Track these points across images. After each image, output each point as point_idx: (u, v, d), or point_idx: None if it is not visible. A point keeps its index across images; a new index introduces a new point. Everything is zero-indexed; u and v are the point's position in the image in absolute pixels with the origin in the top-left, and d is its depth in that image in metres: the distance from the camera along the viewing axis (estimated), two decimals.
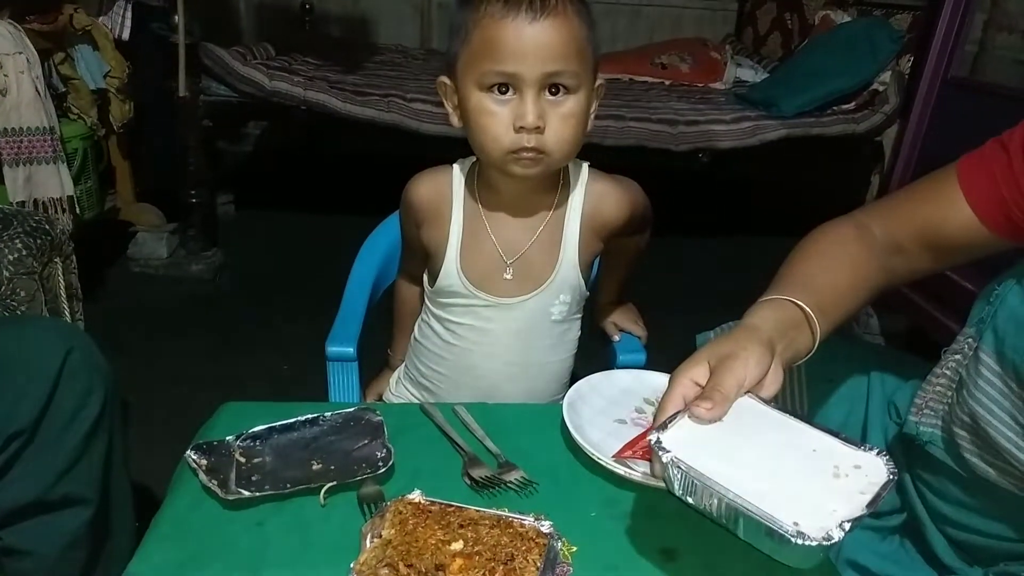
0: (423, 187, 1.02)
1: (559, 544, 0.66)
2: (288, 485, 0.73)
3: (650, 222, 1.10)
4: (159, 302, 2.57)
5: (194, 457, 0.76)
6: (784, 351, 0.71)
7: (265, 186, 3.57)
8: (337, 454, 0.78)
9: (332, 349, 1.09)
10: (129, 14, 2.49)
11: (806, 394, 0.98)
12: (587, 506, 0.74)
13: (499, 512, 0.68)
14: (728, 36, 4.16)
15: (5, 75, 1.98)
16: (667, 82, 3.52)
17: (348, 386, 1.10)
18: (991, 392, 0.79)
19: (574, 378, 1.01)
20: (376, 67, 3.23)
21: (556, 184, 0.99)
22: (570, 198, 0.99)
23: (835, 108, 2.86)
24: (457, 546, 0.63)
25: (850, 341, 1.06)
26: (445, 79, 0.93)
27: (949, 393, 0.85)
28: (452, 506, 0.69)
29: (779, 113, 2.82)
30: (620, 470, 0.75)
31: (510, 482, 0.76)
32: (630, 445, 0.77)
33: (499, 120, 0.86)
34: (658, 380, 0.88)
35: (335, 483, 0.74)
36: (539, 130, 0.86)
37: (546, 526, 0.66)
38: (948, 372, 0.86)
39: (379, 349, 1.23)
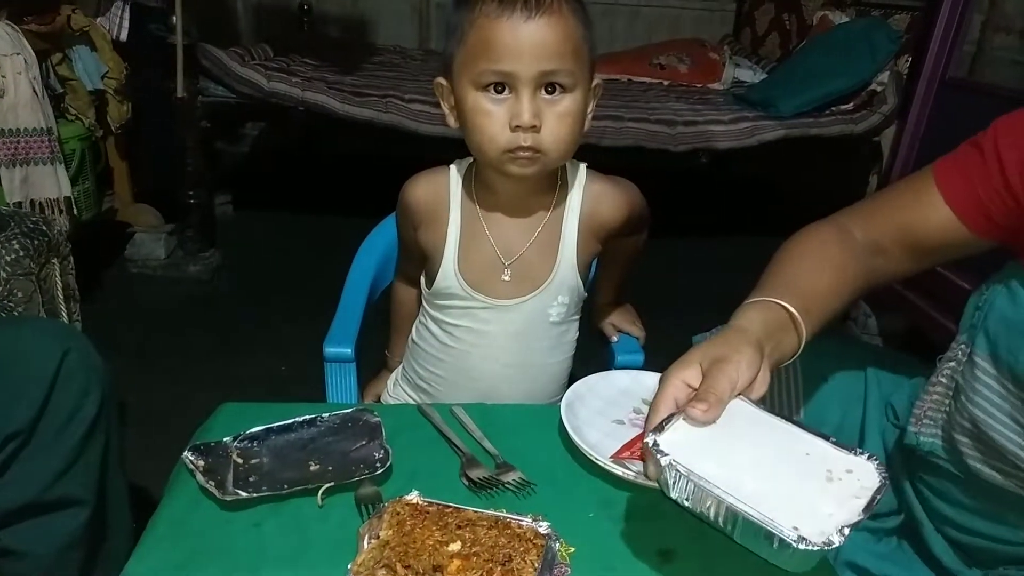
0: (420, 189, 1.01)
1: (557, 545, 0.66)
2: (286, 486, 0.73)
3: (647, 223, 1.10)
4: (157, 303, 2.57)
5: (191, 458, 0.76)
6: (772, 353, 0.72)
7: (263, 187, 3.57)
8: (335, 455, 0.78)
9: (330, 350, 1.09)
10: (127, 15, 2.49)
11: (802, 394, 0.98)
12: (585, 507, 0.74)
13: (497, 513, 0.68)
14: (726, 36, 4.16)
15: (3, 76, 1.97)
16: (665, 82, 3.52)
17: (346, 387, 1.10)
18: (989, 396, 0.79)
19: (572, 379, 1.01)
20: (374, 68, 3.23)
21: (554, 185, 0.99)
22: (568, 199, 0.99)
23: (833, 108, 2.86)
24: (455, 547, 0.63)
25: (846, 341, 1.07)
26: (441, 80, 0.93)
27: (947, 401, 0.85)
28: (450, 507, 0.68)
29: (777, 113, 2.82)
30: (618, 471, 0.75)
31: (508, 483, 0.76)
32: (628, 446, 0.77)
33: (495, 119, 0.86)
34: (656, 381, 0.87)
35: (333, 484, 0.73)
36: (535, 129, 0.86)
37: (544, 527, 0.66)
38: (944, 380, 0.86)
39: (377, 350, 1.23)
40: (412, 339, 1.12)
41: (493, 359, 1.03)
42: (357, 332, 1.13)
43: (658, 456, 0.62)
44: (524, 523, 0.67)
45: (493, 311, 1.00)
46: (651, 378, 0.92)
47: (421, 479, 0.76)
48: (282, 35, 3.50)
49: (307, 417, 0.83)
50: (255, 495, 0.72)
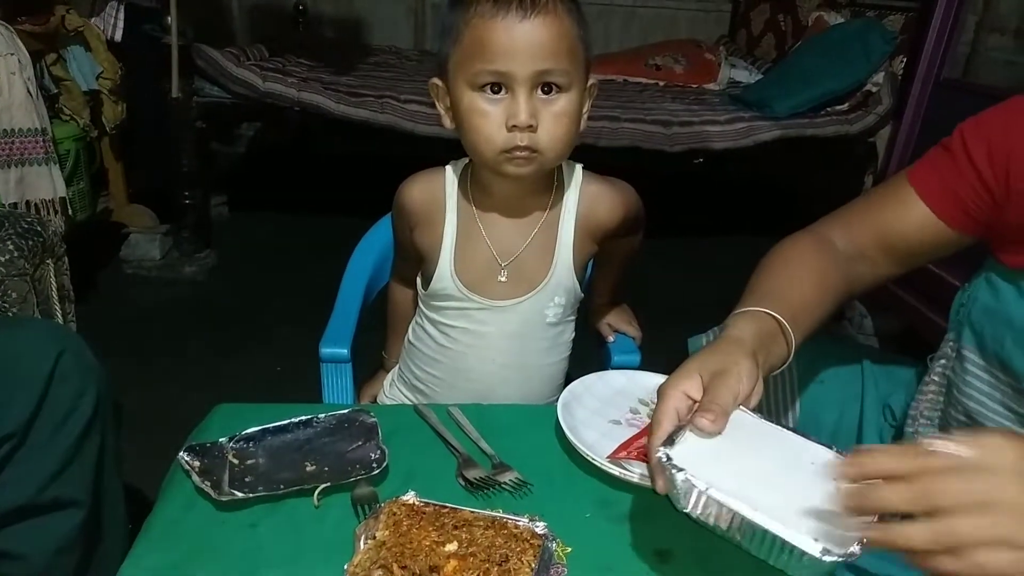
0: (415, 190, 1.01)
1: (554, 545, 0.66)
2: (282, 486, 0.73)
3: (643, 223, 1.10)
4: (152, 304, 2.56)
5: (187, 459, 0.76)
6: (764, 362, 0.72)
7: (259, 187, 3.57)
8: (331, 455, 0.78)
9: (326, 350, 1.09)
10: (121, 15, 2.49)
11: (798, 395, 0.98)
12: (582, 507, 0.74)
13: (493, 513, 0.68)
14: (722, 37, 4.17)
15: None
16: (661, 83, 3.52)
17: (342, 387, 1.10)
18: (980, 386, 0.81)
19: (568, 380, 1.01)
20: (370, 68, 3.23)
21: (550, 186, 0.99)
22: (564, 200, 0.99)
23: (829, 109, 2.87)
24: (451, 547, 0.63)
25: (842, 342, 1.08)
26: (437, 81, 0.93)
27: (940, 398, 0.87)
28: (446, 507, 0.68)
29: (773, 114, 2.83)
30: (615, 471, 0.75)
31: (504, 483, 0.76)
32: (625, 446, 0.77)
33: (492, 119, 0.86)
34: (652, 381, 0.88)
35: (329, 484, 0.73)
36: (532, 129, 0.86)
37: (540, 527, 0.66)
38: (936, 378, 0.88)
39: (373, 350, 1.23)
40: (408, 340, 1.12)
41: (489, 360, 1.03)
42: (353, 333, 1.13)
43: (674, 472, 0.61)
44: (521, 523, 0.67)
45: (489, 312, 1.00)
46: (648, 378, 0.93)
47: (417, 479, 0.76)
48: (277, 35, 3.50)
49: (303, 418, 0.83)
50: (251, 496, 0.71)
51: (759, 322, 0.75)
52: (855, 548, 0.56)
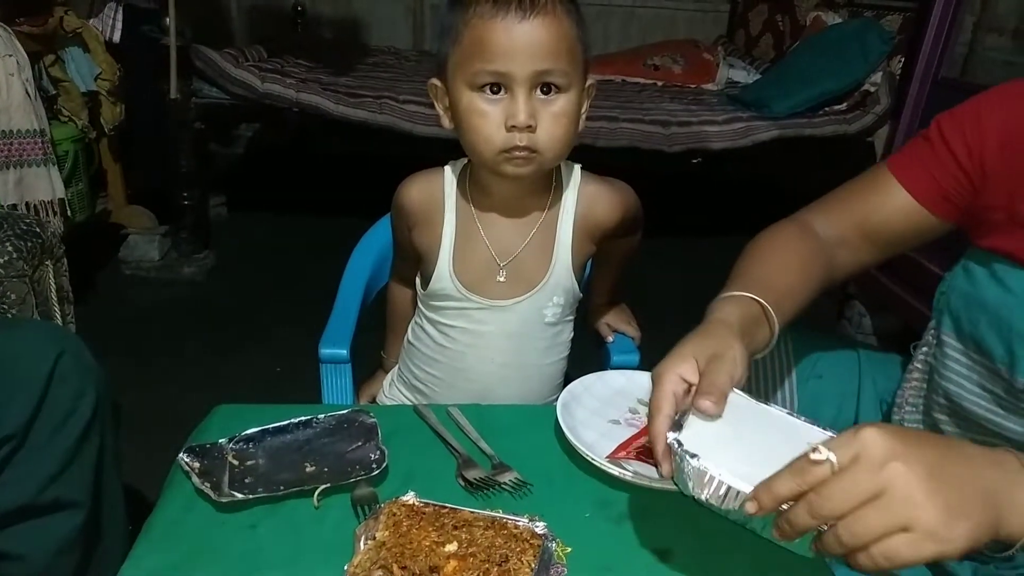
0: (414, 190, 1.01)
1: (553, 545, 0.66)
2: (281, 487, 0.73)
3: (641, 223, 1.10)
4: (151, 305, 2.56)
5: (187, 460, 0.76)
6: (747, 346, 0.73)
7: (257, 188, 3.57)
8: (331, 456, 0.78)
9: (325, 351, 1.09)
10: (120, 16, 2.49)
11: (796, 392, 0.99)
12: (581, 507, 0.74)
13: (493, 513, 0.68)
14: (720, 37, 4.17)
15: None
16: (660, 83, 3.52)
17: (341, 388, 1.10)
18: (959, 368, 0.84)
19: (567, 380, 1.01)
20: (369, 69, 3.23)
21: (549, 186, 0.99)
22: (563, 200, 0.99)
23: (827, 109, 2.87)
24: (451, 548, 0.63)
25: (840, 339, 1.09)
26: (436, 81, 0.93)
27: (924, 385, 0.90)
28: (446, 508, 0.68)
29: (771, 114, 2.83)
30: (614, 471, 0.75)
31: (504, 483, 0.76)
32: (624, 446, 0.77)
33: (491, 120, 0.86)
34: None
35: (329, 485, 0.73)
36: (531, 129, 0.86)
37: (540, 527, 0.66)
38: (919, 365, 0.91)
39: (372, 351, 1.23)
40: (408, 340, 1.12)
41: (489, 360, 1.03)
42: (352, 333, 1.13)
43: (687, 457, 0.60)
44: (520, 523, 0.67)
45: (488, 312, 1.00)
46: (647, 378, 0.92)
47: (417, 480, 0.76)
48: (276, 36, 3.50)
49: (303, 418, 0.83)
50: (251, 497, 0.71)
51: (744, 307, 0.77)
52: None
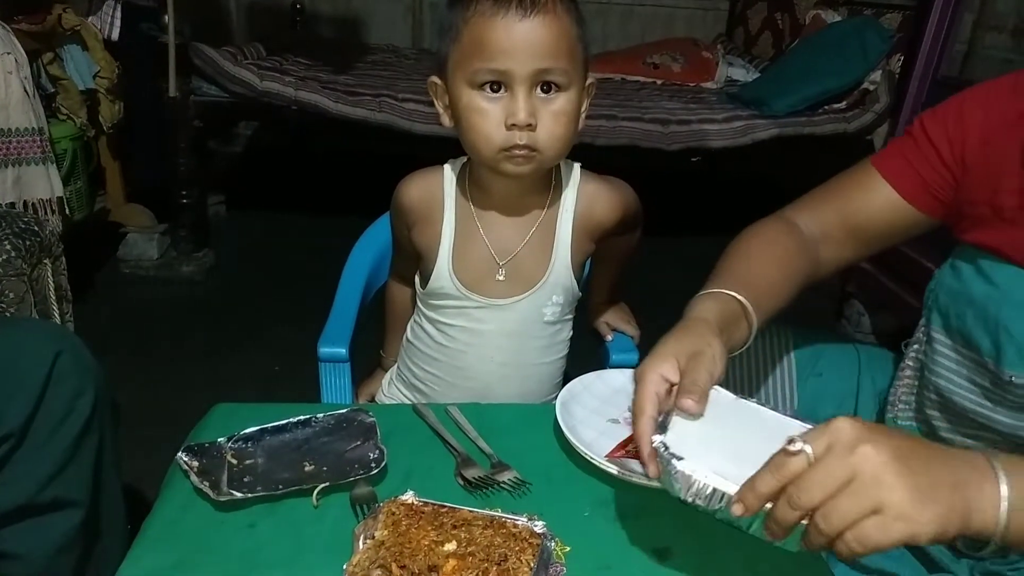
0: (414, 188, 1.01)
1: (552, 544, 0.66)
2: (280, 486, 0.73)
3: (641, 222, 1.10)
4: (150, 303, 2.56)
5: (185, 459, 0.75)
6: (726, 343, 0.74)
7: (256, 186, 3.56)
8: (330, 455, 0.78)
9: (324, 350, 1.09)
10: (118, 14, 2.48)
11: (796, 391, 0.99)
12: (580, 506, 0.74)
13: (492, 512, 0.68)
14: (719, 36, 4.17)
15: None
16: (659, 82, 3.52)
17: (340, 387, 1.10)
18: (948, 364, 0.85)
19: (566, 379, 1.01)
20: (368, 67, 3.23)
21: (548, 185, 0.99)
22: (562, 198, 0.99)
23: (826, 107, 2.87)
24: (450, 547, 0.63)
25: (839, 338, 1.09)
26: (435, 79, 0.93)
27: (915, 382, 0.91)
28: (445, 507, 0.68)
29: (770, 112, 2.83)
30: (613, 470, 0.75)
31: (503, 482, 0.76)
32: (623, 445, 0.77)
33: (491, 118, 0.86)
34: None
35: (328, 484, 0.73)
36: (531, 127, 0.86)
37: (539, 526, 0.66)
38: (911, 363, 0.92)
39: (371, 350, 1.23)
40: (407, 338, 1.12)
41: (488, 358, 1.03)
42: (351, 332, 1.12)
43: (673, 461, 0.60)
44: (520, 522, 0.67)
45: (488, 311, 1.00)
46: None
47: (416, 479, 0.76)
48: (275, 34, 3.49)
49: (302, 417, 0.83)
50: (250, 496, 0.71)
51: (723, 304, 0.78)
52: None
